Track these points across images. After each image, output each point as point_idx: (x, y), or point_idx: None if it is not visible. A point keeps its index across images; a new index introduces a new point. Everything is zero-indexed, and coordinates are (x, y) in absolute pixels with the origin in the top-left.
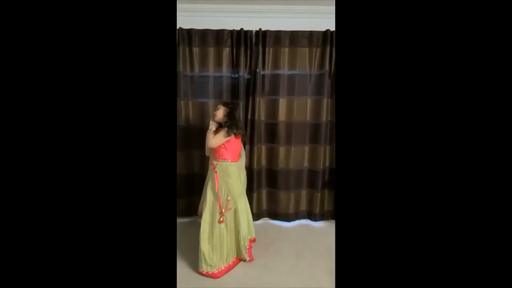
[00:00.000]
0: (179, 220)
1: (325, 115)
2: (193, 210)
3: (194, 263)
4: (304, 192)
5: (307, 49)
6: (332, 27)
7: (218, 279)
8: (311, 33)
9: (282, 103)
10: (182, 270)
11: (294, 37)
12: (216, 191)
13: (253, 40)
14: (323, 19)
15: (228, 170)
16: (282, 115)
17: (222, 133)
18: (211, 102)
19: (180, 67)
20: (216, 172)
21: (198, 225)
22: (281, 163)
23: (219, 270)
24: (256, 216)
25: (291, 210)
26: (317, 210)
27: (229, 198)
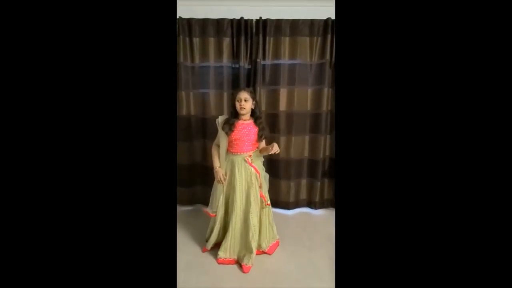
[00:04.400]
0: (182, 209)
1: (326, 105)
2: (196, 199)
3: (196, 250)
4: (304, 181)
5: (307, 39)
6: (333, 15)
7: (220, 265)
8: (312, 22)
9: (283, 93)
10: (186, 257)
11: (295, 26)
12: (259, 178)
13: (253, 30)
14: (324, 7)
15: (260, 157)
16: (282, 105)
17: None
18: (212, 92)
19: (181, 58)
20: (252, 164)
21: (200, 214)
22: (281, 153)
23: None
24: None
25: (291, 198)
26: (316, 199)
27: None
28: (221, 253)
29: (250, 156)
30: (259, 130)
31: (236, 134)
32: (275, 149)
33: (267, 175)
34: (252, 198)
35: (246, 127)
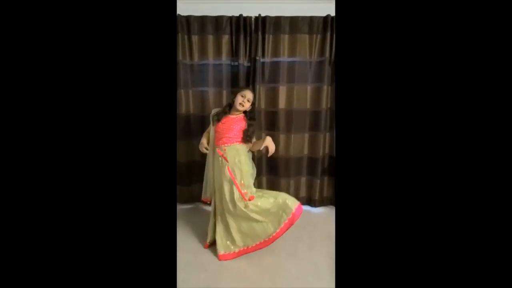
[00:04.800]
0: (181, 207)
1: (325, 103)
2: (195, 197)
3: (196, 248)
4: (303, 179)
5: (307, 36)
6: (332, 12)
7: (220, 262)
8: (311, 19)
9: (282, 91)
10: (185, 255)
11: (294, 23)
12: (229, 173)
13: (253, 27)
14: (324, 4)
15: (240, 151)
16: (282, 103)
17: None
18: (211, 90)
19: (179, 56)
20: (227, 160)
21: (199, 212)
22: (281, 151)
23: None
24: None
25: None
26: (316, 197)
27: (242, 182)
28: (219, 247)
29: (224, 150)
30: (247, 131)
31: (219, 126)
32: (270, 146)
33: (254, 172)
34: (226, 193)
35: (231, 121)
